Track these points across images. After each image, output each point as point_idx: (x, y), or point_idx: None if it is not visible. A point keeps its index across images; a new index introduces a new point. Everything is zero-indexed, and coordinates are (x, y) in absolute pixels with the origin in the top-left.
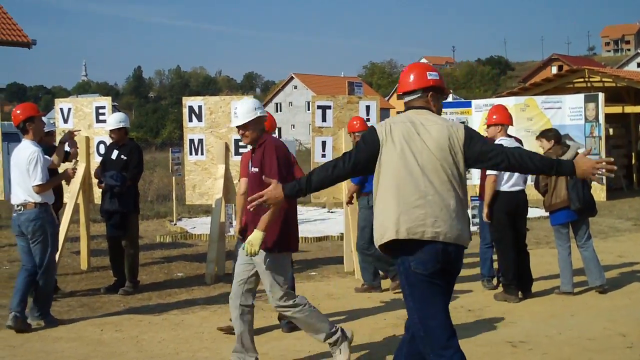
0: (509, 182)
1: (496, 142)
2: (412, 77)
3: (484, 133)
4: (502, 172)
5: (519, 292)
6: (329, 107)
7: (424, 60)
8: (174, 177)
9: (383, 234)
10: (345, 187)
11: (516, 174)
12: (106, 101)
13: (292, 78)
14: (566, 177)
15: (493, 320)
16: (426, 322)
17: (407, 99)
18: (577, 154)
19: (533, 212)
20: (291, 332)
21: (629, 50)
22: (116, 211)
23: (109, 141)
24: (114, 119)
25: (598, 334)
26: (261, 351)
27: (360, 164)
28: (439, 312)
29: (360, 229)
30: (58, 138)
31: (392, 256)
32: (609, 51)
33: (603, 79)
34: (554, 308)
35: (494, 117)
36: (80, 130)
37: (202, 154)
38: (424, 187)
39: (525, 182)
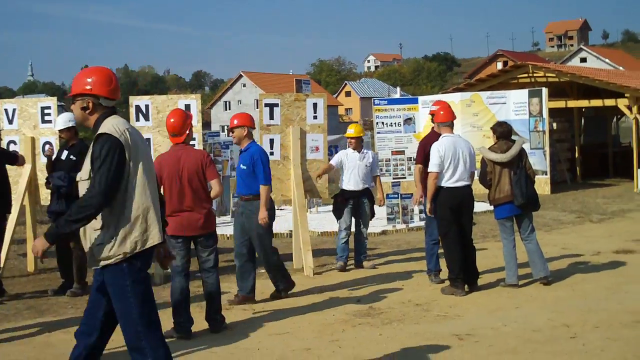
0: (453, 177)
1: (441, 137)
2: None
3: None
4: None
5: (465, 286)
6: (277, 105)
7: (371, 57)
8: None
9: None
10: (293, 184)
11: (460, 170)
12: (51, 101)
13: (240, 76)
14: (509, 171)
15: (440, 314)
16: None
17: None
18: (522, 149)
19: (479, 206)
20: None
21: (572, 45)
22: (63, 212)
23: (54, 142)
24: (63, 119)
25: (543, 325)
26: (210, 349)
27: None
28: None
29: (259, 237)
30: (4, 138)
31: None
32: (552, 47)
33: (546, 74)
34: (500, 301)
35: (442, 113)
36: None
37: None
38: None
39: (471, 177)
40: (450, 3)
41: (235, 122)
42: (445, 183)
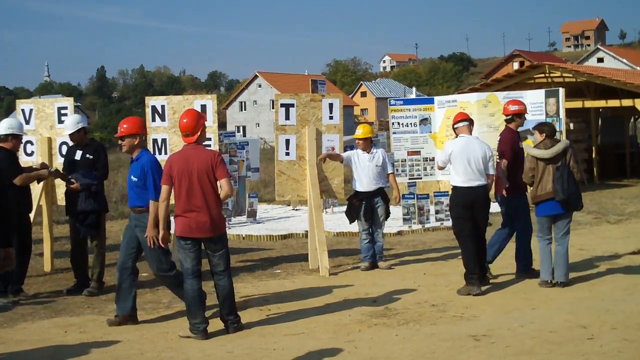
0: (464, 177)
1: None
2: None
3: (445, 130)
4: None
5: (481, 284)
6: (292, 105)
7: (386, 58)
8: None
9: None
10: (309, 185)
11: (469, 170)
12: (68, 102)
13: (256, 76)
14: (553, 169)
15: (456, 315)
16: None
17: None
18: (567, 147)
19: (494, 207)
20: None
21: (588, 45)
22: (93, 210)
23: (70, 143)
24: (71, 122)
25: (559, 326)
26: (226, 349)
27: None
28: None
29: (151, 253)
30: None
31: None
32: (569, 47)
33: (563, 74)
34: (516, 301)
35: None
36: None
37: (165, 153)
38: None
39: (488, 177)
40: (466, 3)
41: (124, 128)
42: (457, 183)
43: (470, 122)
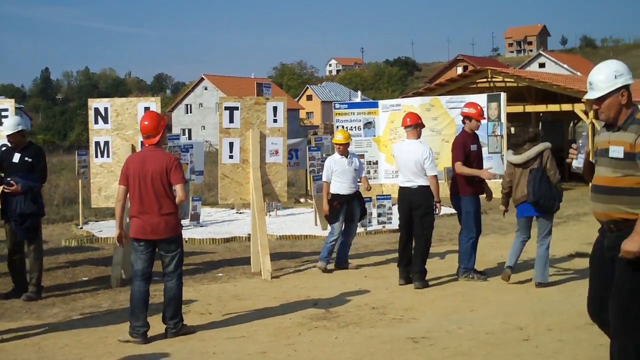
0: (401, 178)
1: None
2: None
3: (389, 134)
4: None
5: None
6: (237, 109)
7: (333, 61)
8: (80, 180)
9: None
10: (252, 188)
11: (405, 170)
12: (9, 104)
13: (202, 79)
14: (528, 172)
15: (396, 317)
16: None
17: None
18: (544, 152)
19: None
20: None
21: (531, 51)
22: (33, 213)
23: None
24: (11, 123)
25: (497, 328)
26: (165, 353)
27: None
28: None
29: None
30: None
31: None
32: (512, 52)
33: (505, 79)
34: (455, 304)
35: (407, 119)
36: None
37: (108, 156)
38: None
39: (429, 178)
40: (411, 8)
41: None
42: (399, 183)
43: (416, 126)
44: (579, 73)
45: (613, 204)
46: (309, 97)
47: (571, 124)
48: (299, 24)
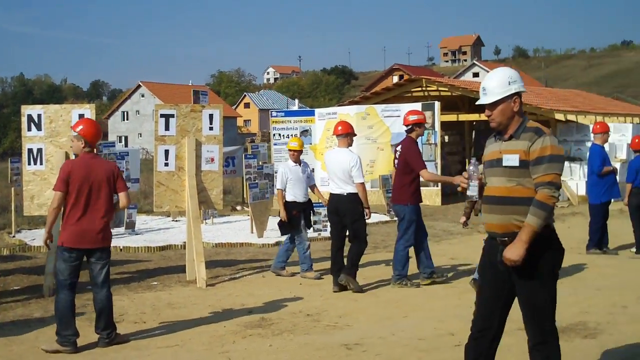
0: (331, 185)
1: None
2: None
3: (325, 142)
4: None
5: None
6: (172, 116)
7: (270, 69)
8: (13, 188)
9: None
10: (188, 195)
11: (335, 177)
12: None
13: (139, 86)
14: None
15: (330, 324)
16: None
17: None
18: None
19: (375, 217)
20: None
21: (465, 60)
22: None
23: None
24: None
25: (429, 334)
26: None
27: None
28: None
29: None
30: None
31: None
32: (447, 61)
33: (439, 88)
34: (388, 310)
35: (339, 128)
36: None
37: (41, 163)
38: None
39: (356, 186)
40: (348, 17)
41: None
42: (330, 190)
43: (347, 135)
44: None
45: (510, 215)
46: (247, 105)
47: None
48: (237, 31)
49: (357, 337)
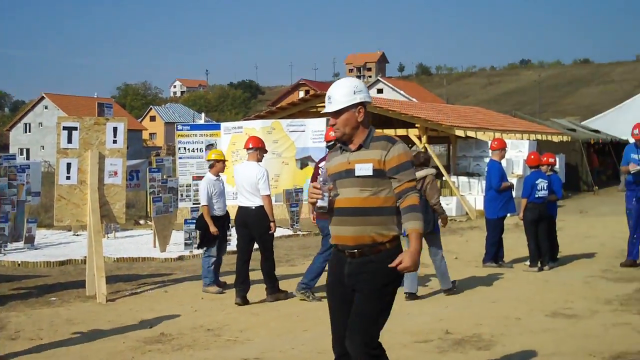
0: (239, 198)
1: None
2: None
3: (231, 156)
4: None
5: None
6: (75, 129)
7: (177, 83)
8: None
9: None
10: (89, 209)
11: (243, 190)
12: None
13: (42, 98)
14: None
15: (230, 339)
16: None
17: None
18: (427, 177)
19: (279, 231)
20: None
21: (370, 76)
22: None
23: None
24: None
25: (328, 347)
26: None
27: None
28: None
29: None
30: None
31: None
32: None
33: None
34: (290, 324)
35: (250, 143)
36: None
37: None
38: None
39: (262, 199)
40: (256, 32)
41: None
42: (238, 203)
43: (257, 149)
44: (414, 99)
45: (364, 226)
46: (153, 118)
47: None
48: (144, 44)
49: (257, 351)
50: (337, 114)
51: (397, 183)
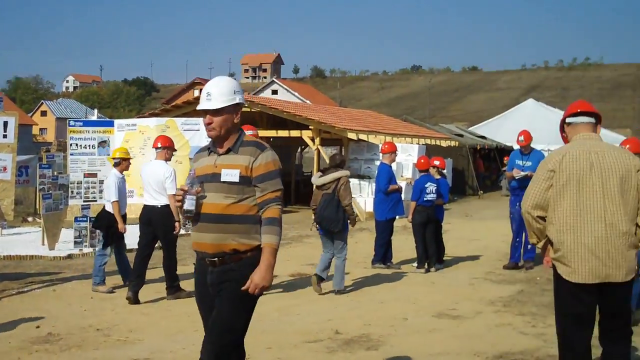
0: (145, 196)
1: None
2: None
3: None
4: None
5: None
6: None
7: (70, 78)
8: None
9: None
10: None
11: (150, 188)
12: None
13: None
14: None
15: (120, 339)
16: None
17: None
18: (341, 178)
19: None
20: None
21: (265, 77)
22: None
23: None
24: None
25: None
26: None
27: None
28: None
29: None
30: None
31: None
32: (247, 78)
33: None
34: (181, 324)
35: (159, 142)
36: None
37: None
38: None
39: (163, 196)
40: (152, 30)
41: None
42: (144, 201)
43: (166, 148)
44: (308, 101)
45: (225, 234)
46: (44, 113)
47: (299, 150)
48: (37, 37)
49: (147, 351)
50: (216, 112)
51: (261, 192)
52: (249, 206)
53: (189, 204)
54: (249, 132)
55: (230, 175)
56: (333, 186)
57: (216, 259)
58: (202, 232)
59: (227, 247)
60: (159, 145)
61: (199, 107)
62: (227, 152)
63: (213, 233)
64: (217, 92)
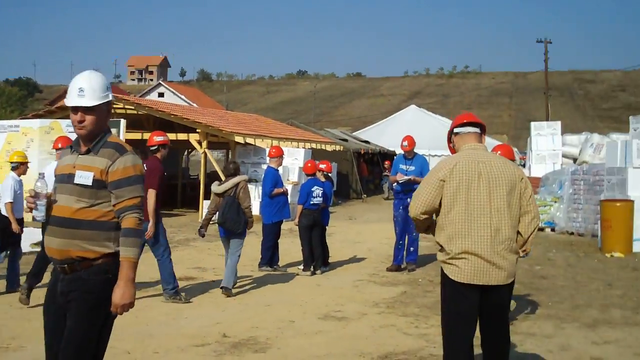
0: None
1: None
2: None
3: (5, 155)
4: None
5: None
6: None
7: None
8: None
9: None
10: None
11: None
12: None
13: None
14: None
15: (2, 346)
16: None
17: None
18: (240, 183)
19: None
20: None
21: (151, 80)
22: None
23: None
24: None
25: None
26: None
27: None
28: None
29: None
30: None
31: None
32: (133, 80)
33: (126, 106)
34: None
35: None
36: None
37: None
38: None
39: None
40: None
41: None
42: None
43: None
44: (195, 104)
45: (71, 239)
46: None
47: (185, 153)
48: None
49: (30, 358)
50: (90, 109)
51: (116, 199)
52: (102, 212)
53: (38, 212)
54: (159, 138)
55: (84, 177)
56: (233, 191)
57: (65, 265)
58: (50, 236)
59: (73, 254)
60: (60, 146)
61: (70, 103)
62: (87, 152)
63: (59, 238)
64: (90, 88)
